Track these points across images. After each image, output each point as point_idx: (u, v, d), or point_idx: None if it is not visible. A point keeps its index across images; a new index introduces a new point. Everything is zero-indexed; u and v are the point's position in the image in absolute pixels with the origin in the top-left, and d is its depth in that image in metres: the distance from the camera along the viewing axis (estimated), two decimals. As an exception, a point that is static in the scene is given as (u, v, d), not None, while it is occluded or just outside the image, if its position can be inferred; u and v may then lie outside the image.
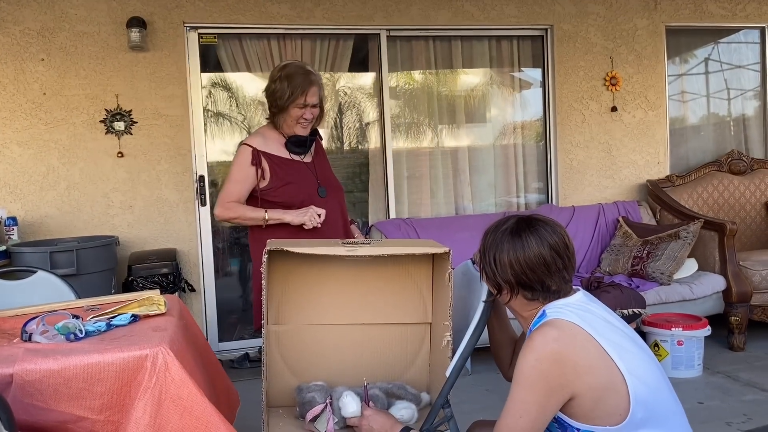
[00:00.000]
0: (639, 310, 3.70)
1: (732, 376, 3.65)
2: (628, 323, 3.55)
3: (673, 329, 3.63)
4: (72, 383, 1.51)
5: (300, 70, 2.56)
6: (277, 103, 2.56)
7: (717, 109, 5.47)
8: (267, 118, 2.70)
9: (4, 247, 3.62)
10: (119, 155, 4.19)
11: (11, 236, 3.81)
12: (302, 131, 2.61)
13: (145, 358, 1.53)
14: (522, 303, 1.62)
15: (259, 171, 2.54)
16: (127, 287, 3.83)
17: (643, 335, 3.73)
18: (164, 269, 3.91)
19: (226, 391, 2.21)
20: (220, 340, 4.48)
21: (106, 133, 4.17)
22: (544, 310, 1.57)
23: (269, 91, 2.59)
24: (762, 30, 5.39)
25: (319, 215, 2.50)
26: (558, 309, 1.55)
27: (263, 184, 2.56)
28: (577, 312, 1.54)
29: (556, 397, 1.46)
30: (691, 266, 4.23)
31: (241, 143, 2.63)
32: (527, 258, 1.57)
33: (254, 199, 2.59)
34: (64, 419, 1.53)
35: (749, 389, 3.45)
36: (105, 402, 1.53)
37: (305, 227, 2.49)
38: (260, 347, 1.85)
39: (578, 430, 1.51)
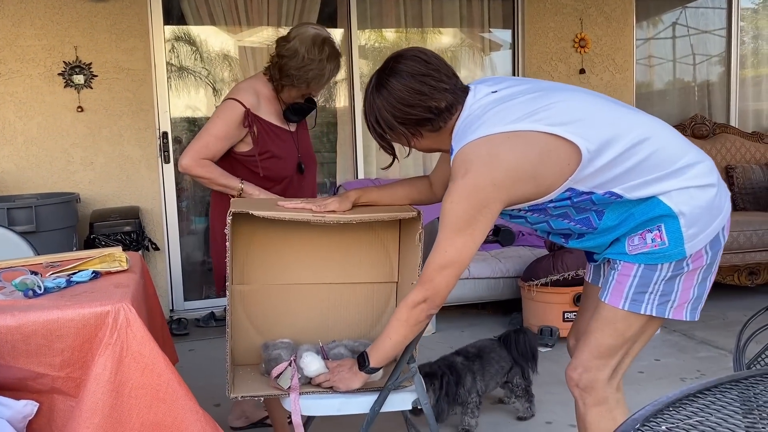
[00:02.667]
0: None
1: (687, 335, 3.77)
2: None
3: (632, 289, 3.72)
4: (31, 340, 1.48)
5: (336, 52, 2.24)
6: (303, 76, 2.18)
7: (682, 74, 5.53)
8: (265, 72, 2.30)
9: (-42, 203, 3.52)
10: (79, 110, 4.06)
11: (-34, 192, 3.70)
12: (300, 98, 2.33)
13: (107, 315, 1.51)
14: (433, 137, 1.62)
15: (250, 135, 2.23)
16: (89, 245, 3.76)
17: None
18: (127, 227, 3.85)
19: (172, 352, 2.20)
20: (186, 299, 4.45)
21: (65, 86, 4.04)
22: (459, 135, 1.54)
23: (298, 61, 2.17)
24: (729, -5, 5.43)
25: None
26: (470, 131, 1.50)
27: (245, 148, 2.26)
28: (487, 123, 1.49)
29: (494, 208, 1.49)
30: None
31: (230, 98, 2.25)
32: (399, 99, 1.55)
33: (230, 159, 2.28)
34: (23, 376, 1.51)
35: (703, 346, 3.57)
36: (65, 358, 1.51)
37: None
38: (226, 306, 1.83)
39: (551, 201, 1.52)
